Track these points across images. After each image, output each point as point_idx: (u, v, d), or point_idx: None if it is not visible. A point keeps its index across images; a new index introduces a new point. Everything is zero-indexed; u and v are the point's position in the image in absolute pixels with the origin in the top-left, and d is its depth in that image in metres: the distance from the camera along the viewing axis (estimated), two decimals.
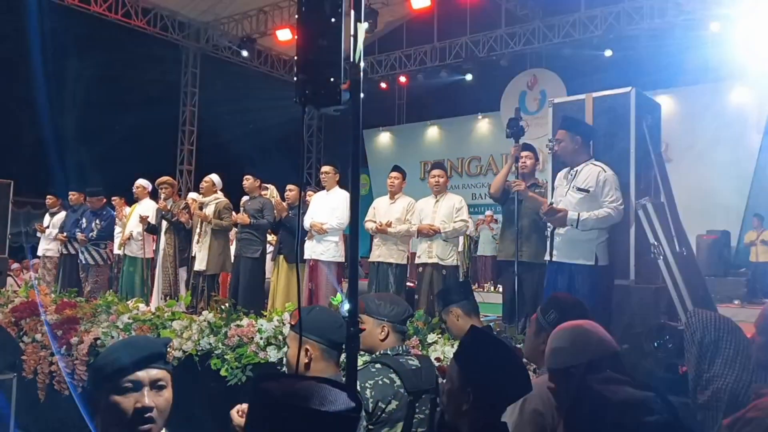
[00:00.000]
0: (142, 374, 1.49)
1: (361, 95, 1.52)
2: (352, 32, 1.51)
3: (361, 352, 3.36)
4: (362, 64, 1.51)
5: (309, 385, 1.13)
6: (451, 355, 1.94)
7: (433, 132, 16.33)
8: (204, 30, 14.75)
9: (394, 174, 5.88)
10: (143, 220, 6.99)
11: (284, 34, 13.30)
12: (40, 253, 8.87)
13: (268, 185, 6.78)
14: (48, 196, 8.95)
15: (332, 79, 1.51)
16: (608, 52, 12.79)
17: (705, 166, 11.66)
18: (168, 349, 1.53)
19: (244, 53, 14.66)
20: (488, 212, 12.79)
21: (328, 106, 1.54)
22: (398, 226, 5.60)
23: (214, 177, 6.86)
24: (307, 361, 2.07)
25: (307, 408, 1.05)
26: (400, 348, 2.53)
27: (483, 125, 15.50)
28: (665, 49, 12.11)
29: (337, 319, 2.13)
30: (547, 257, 3.99)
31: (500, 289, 7.55)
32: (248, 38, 14.44)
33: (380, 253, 5.65)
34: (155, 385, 1.51)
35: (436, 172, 5.61)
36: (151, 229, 7.08)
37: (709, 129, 11.93)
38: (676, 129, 11.72)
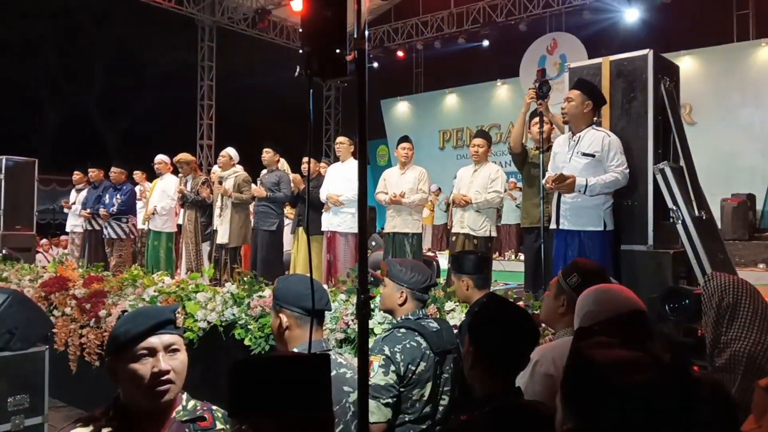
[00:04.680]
0: (155, 340, 1.55)
1: (367, 66, 1.53)
2: (356, 2, 1.51)
3: (381, 321, 3.45)
4: (367, 34, 1.51)
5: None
6: None
7: (451, 100, 16.16)
8: (219, 2, 14.68)
9: (406, 144, 5.86)
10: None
11: (298, 4, 13.14)
12: (68, 229, 9.10)
13: (280, 158, 6.82)
14: (75, 172, 9.12)
15: (337, 51, 1.52)
16: (630, 14, 12.48)
17: (730, 128, 11.42)
18: (177, 315, 1.59)
19: (260, 25, 14.58)
20: (511, 180, 12.70)
21: (334, 77, 1.55)
22: (411, 196, 5.61)
23: (231, 151, 6.90)
24: (283, 329, 2.12)
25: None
26: (420, 312, 2.58)
27: (502, 92, 15.29)
28: (689, 9, 11.79)
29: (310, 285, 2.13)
30: (553, 225, 3.97)
31: (522, 258, 7.55)
32: (263, 9, 14.35)
33: (395, 224, 5.68)
34: (169, 349, 1.57)
35: (476, 141, 5.45)
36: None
37: (735, 90, 11.65)
38: (701, 91, 11.46)
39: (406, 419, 2.37)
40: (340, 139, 6.18)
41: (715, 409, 1.46)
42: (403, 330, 2.48)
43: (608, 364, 1.02)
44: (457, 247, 5.32)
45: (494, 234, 5.41)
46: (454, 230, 5.48)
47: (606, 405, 0.99)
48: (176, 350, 1.59)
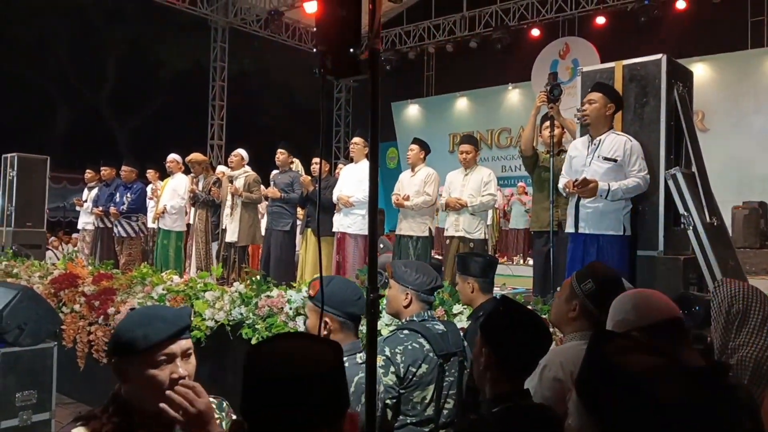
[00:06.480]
0: (175, 347, 1.54)
1: (380, 66, 1.53)
2: (371, 2, 1.51)
3: (388, 322, 3.44)
4: (381, 34, 1.51)
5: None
6: None
7: (462, 103, 16.15)
8: (232, 3, 14.76)
9: (411, 146, 5.91)
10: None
11: (311, 7, 13.24)
12: (80, 226, 9.14)
13: (293, 159, 6.87)
14: (87, 171, 9.17)
15: (351, 50, 1.52)
16: (643, 19, 12.42)
17: (742, 135, 11.35)
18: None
19: (272, 27, 14.64)
20: (520, 183, 12.68)
21: (348, 77, 1.55)
22: (415, 198, 5.61)
23: (242, 151, 7.00)
24: (326, 333, 2.13)
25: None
26: (426, 314, 2.56)
27: (513, 96, 15.26)
28: (703, 15, 11.73)
29: (355, 291, 2.21)
30: (570, 229, 3.94)
31: (530, 262, 7.53)
32: (276, 11, 14.41)
33: (402, 226, 5.73)
34: (185, 354, 1.56)
35: (464, 147, 5.59)
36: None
37: (748, 97, 11.57)
38: (714, 97, 11.41)
39: (408, 421, 2.35)
40: (355, 139, 6.20)
41: (749, 418, 1.43)
42: (406, 331, 2.46)
43: (640, 372, 0.96)
44: (451, 250, 5.35)
45: (487, 236, 5.47)
46: (448, 234, 5.52)
47: (638, 416, 0.93)
48: (190, 354, 1.59)
